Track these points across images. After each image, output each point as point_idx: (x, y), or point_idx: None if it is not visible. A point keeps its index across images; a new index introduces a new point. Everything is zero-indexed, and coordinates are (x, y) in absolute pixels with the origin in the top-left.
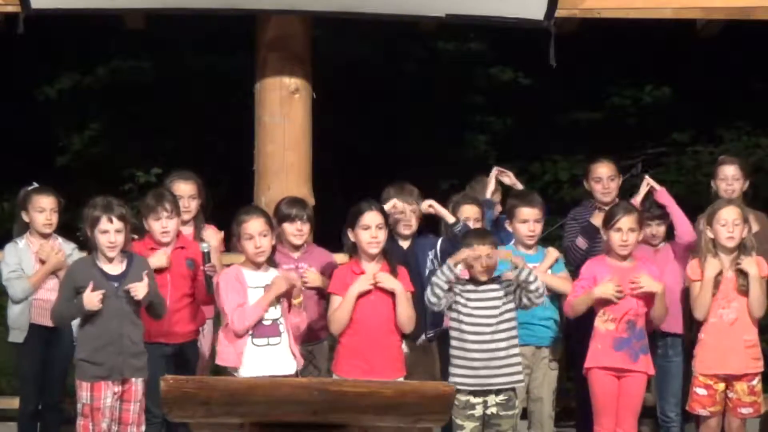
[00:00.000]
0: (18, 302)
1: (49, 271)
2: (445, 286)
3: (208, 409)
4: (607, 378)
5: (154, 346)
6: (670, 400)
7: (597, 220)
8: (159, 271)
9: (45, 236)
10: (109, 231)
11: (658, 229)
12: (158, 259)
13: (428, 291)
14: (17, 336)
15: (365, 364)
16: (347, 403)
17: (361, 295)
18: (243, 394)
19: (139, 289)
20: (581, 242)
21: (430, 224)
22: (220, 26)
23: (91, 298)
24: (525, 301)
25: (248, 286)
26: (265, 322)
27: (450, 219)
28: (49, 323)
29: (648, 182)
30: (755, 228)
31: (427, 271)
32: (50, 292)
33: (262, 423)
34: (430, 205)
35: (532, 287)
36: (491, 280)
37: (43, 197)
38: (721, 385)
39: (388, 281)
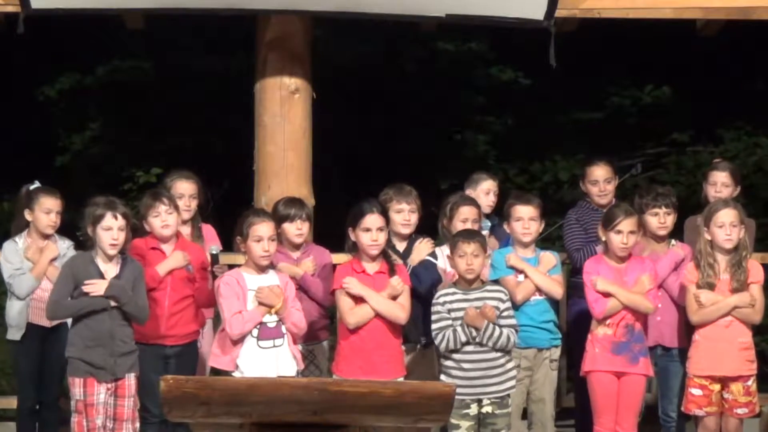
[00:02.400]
0: (23, 298)
1: (48, 260)
2: (464, 340)
3: (208, 409)
4: (606, 378)
5: (154, 348)
6: (672, 399)
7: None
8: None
9: (46, 236)
10: (113, 228)
11: (667, 218)
12: (175, 260)
13: (445, 343)
14: (14, 334)
15: (366, 364)
16: (347, 403)
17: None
18: (243, 394)
19: (98, 287)
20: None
21: (426, 225)
22: (220, 26)
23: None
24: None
25: (248, 290)
26: (269, 324)
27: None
28: (46, 323)
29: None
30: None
31: None
32: (48, 292)
33: (262, 423)
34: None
35: (492, 344)
36: (482, 287)
37: (50, 198)
38: (717, 386)
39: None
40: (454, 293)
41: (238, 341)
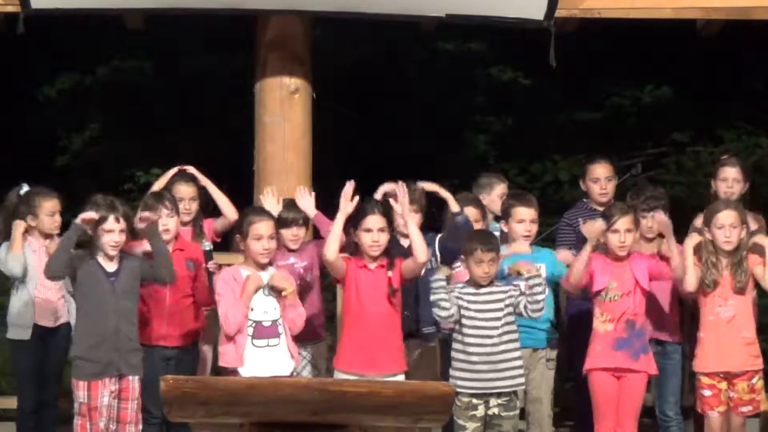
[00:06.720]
0: (18, 277)
1: (20, 232)
2: (445, 294)
3: (208, 409)
4: (607, 379)
5: (156, 349)
6: (669, 399)
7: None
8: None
9: (48, 236)
10: (114, 230)
11: (654, 221)
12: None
13: (435, 309)
14: (19, 333)
15: (367, 359)
16: (347, 403)
17: (364, 290)
18: (243, 394)
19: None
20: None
21: (429, 222)
22: (220, 26)
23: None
24: (524, 311)
25: None
26: (264, 323)
27: (454, 207)
28: (48, 323)
29: None
30: (753, 227)
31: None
32: (51, 291)
33: (262, 423)
34: (434, 190)
35: (539, 297)
36: (492, 283)
37: (51, 201)
38: (723, 384)
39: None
40: (464, 287)
41: (235, 336)
